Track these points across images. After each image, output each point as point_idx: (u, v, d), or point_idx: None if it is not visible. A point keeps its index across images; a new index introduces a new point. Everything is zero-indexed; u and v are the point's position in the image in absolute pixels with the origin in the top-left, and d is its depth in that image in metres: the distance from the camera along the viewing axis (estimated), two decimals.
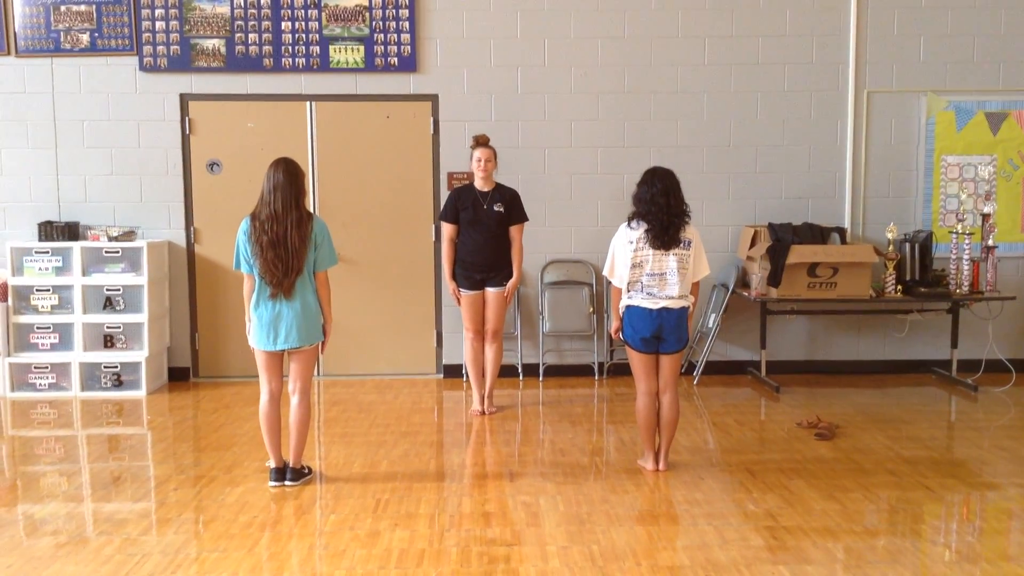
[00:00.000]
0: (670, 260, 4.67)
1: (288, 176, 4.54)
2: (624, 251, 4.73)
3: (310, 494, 4.60)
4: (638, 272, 4.70)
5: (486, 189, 6.00)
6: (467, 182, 6.20)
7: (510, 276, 6.07)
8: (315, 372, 4.73)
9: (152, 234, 7.10)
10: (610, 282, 4.95)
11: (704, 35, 7.12)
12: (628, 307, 4.77)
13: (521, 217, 6.05)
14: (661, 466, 4.89)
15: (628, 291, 4.75)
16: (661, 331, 4.71)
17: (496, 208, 5.96)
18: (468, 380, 6.34)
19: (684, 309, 4.75)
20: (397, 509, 4.35)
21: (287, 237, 4.49)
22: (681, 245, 4.69)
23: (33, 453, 5.51)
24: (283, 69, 7.03)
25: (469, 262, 6.00)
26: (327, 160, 7.17)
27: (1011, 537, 4.09)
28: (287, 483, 4.68)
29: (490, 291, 6.04)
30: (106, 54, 7.00)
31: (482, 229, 5.95)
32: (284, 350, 4.64)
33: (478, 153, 5.95)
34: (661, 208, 4.64)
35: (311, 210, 4.70)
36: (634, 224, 4.74)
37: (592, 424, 6.01)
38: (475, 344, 6.14)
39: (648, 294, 4.69)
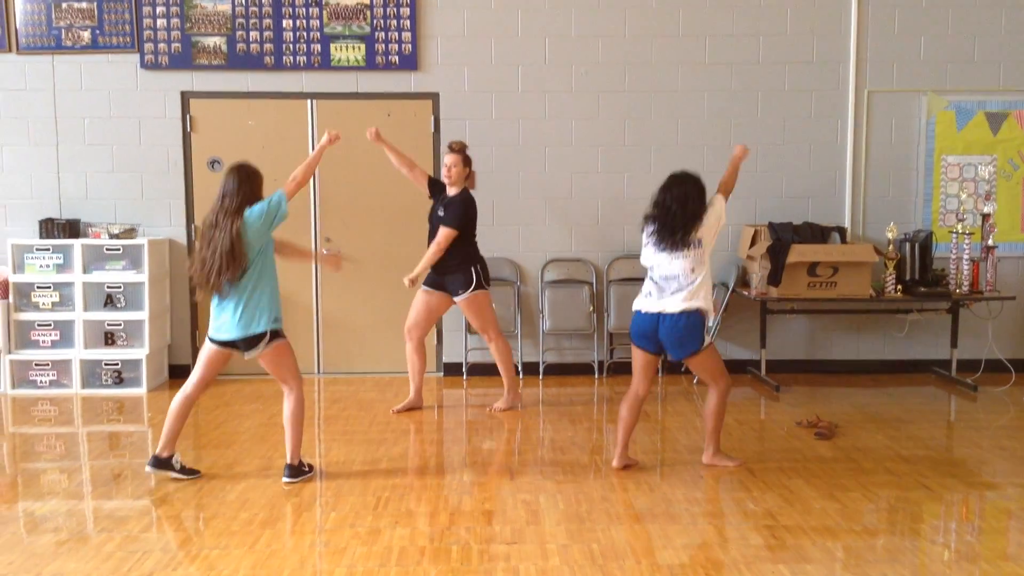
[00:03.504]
0: (678, 262, 4.61)
1: (235, 182, 4.52)
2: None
3: (310, 492, 4.60)
4: (652, 272, 4.69)
5: (451, 193, 5.98)
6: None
7: (468, 283, 5.94)
8: (294, 366, 4.68)
9: (153, 231, 7.10)
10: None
11: (705, 34, 7.12)
12: (637, 312, 4.74)
13: (448, 220, 5.83)
14: (704, 459, 4.91)
15: (644, 289, 4.73)
16: (658, 333, 4.65)
17: (440, 212, 5.94)
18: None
19: (691, 312, 4.61)
20: (397, 507, 4.36)
21: (211, 240, 4.47)
22: (691, 247, 4.60)
23: (34, 450, 5.51)
24: (284, 67, 7.04)
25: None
26: (328, 158, 7.08)
27: (1010, 536, 4.10)
28: (284, 480, 4.68)
29: (457, 300, 5.99)
30: (107, 51, 7.00)
31: (431, 229, 5.97)
32: (234, 349, 4.63)
33: (446, 159, 5.96)
34: (673, 214, 4.59)
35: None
36: (646, 226, 4.73)
37: (592, 423, 6.02)
38: (408, 344, 6.14)
39: (659, 296, 4.64)
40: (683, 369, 6.86)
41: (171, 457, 4.74)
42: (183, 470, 4.76)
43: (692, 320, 4.61)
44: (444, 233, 5.82)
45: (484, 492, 4.59)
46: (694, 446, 5.33)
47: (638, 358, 4.80)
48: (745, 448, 5.31)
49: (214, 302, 4.59)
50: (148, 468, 4.72)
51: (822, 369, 7.34)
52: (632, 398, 4.83)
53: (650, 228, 4.70)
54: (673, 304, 4.60)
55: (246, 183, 4.55)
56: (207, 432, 5.75)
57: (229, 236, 4.45)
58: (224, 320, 4.57)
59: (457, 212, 5.87)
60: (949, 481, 4.74)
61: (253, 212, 4.55)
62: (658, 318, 4.64)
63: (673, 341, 4.65)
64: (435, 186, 6.08)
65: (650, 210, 4.73)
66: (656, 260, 4.66)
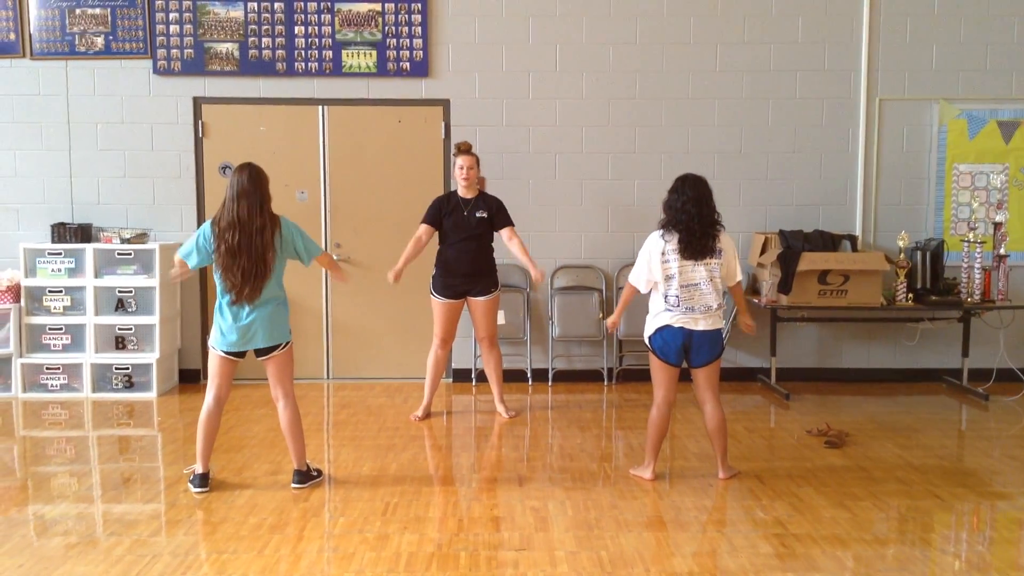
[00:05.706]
0: (700, 271, 4.58)
1: (252, 182, 4.46)
2: (654, 260, 4.62)
3: (319, 497, 4.61)
4: (671, 285, 4.59)
5: (469, 196, 5.94)
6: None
7: (494, 284, 6.01)
8: (293, 370, 4.71)
9: (164, 236, 7.13)
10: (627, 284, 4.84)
11: (716, 41, 7.12)
12: (667, 327, 4.66)
13: (507, 221, 5.97)
14: (721, 475, 4.86)
15: (665, 304, 4.63)
16: (690, 343, 4.64)
17: (479, 214, 5.90)
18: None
19: (716, 323, 4.67)
20: (406, 513, 4.36)
21: (251, 245, 4.41)
22: (713, 255, 4.60)
23: (44, 454, 5.53)
24: (296, 73, 7.07)
25: (451, 270, 5.93)
26: (339, 164, 7.19)
27: (1021, 547, 4.07)
28: (293, 485, 4.70)
29: (477, 300, 5.98)
30: (120, 57, 7.05)
31: (464, 235, 5.88)
32: (240, 358, 4.63)
33: (460, 160, 5.90)
34: (692, 217, 4.55)
35: (277, 214, 4.64)
36: (667, 236, 4.61)
37: (601, 430, 6.01)
38: (439, 352, 6.10)
39: (685, 309, 4.58)
40: None
41: (208, 472, 4.74)
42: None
43: (719, 331, 4.71)
44: (513, 231, 5.96)
45: (493, 498, 4.59)
46: (703, 453, 5.31)
47: (666, 371, 4.73)
48: (755, 456, 5.30)
49: (234, 312, 4.51)
50: (196, 489, 4.65)
51: (832, 377, 7.32)
52: (667, 406, 4.78)
53: (674, 237, 4.58)
54: (703, 324, 4.61)
55: (258, 183, 4.50)
56: (216, 436, 5.74)
57: (271, 243, 4.46)
58: (253, 330, 4.52)
59: (506, 212, 5.99)
60: (960, 491, 4.72)
61: (292, 229, 4.58)
62: (691, 334, 4.62)
63: (704, 347, 4.65)
64: (438, 215, 5.92)
65: (669, 217, 4.63)
66: (678, 269, 4.57)
